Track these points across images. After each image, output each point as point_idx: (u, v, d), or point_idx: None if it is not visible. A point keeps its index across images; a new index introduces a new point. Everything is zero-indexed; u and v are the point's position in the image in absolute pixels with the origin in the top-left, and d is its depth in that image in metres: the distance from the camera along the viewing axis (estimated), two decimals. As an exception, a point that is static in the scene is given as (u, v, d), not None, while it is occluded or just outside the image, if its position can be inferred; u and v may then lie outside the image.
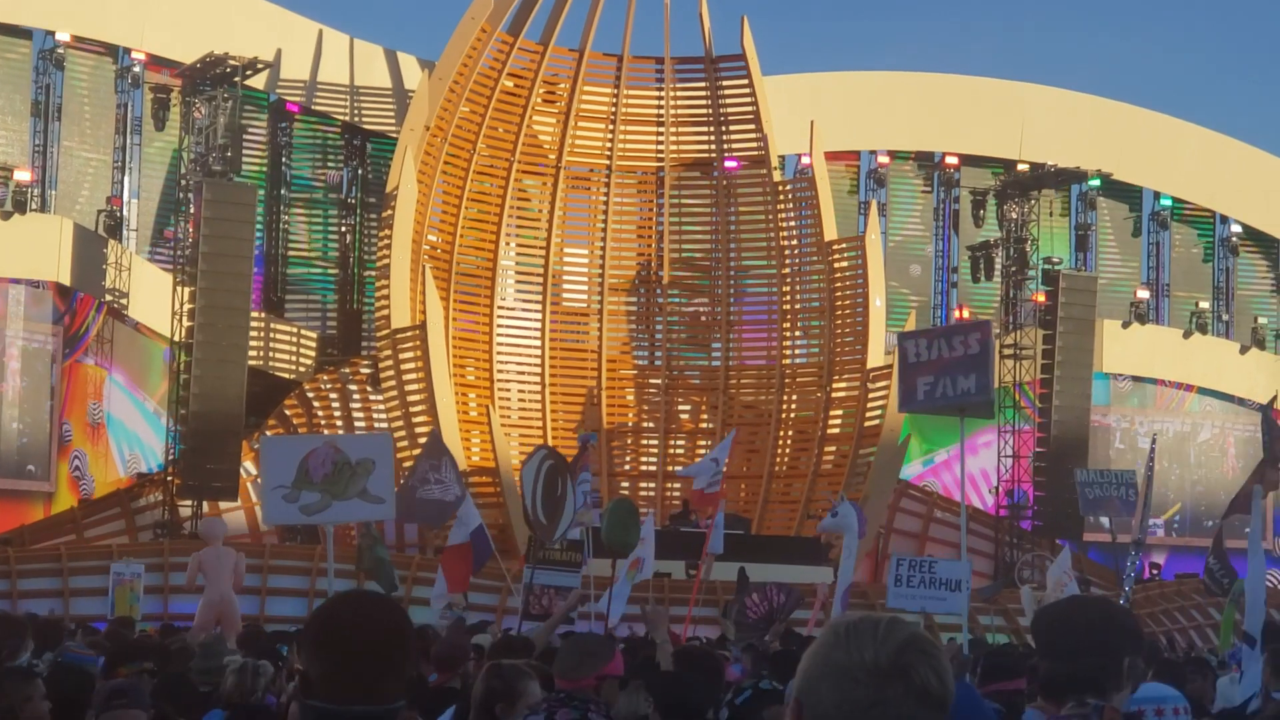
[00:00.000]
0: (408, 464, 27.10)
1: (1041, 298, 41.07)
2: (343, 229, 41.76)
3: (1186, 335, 46.48)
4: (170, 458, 35.30)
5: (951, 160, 45.34)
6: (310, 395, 37.42)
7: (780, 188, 39.49)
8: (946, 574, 21.62)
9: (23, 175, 36.27)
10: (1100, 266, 45.96)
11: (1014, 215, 43.26)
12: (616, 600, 21.05)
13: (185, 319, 34.48)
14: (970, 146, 45.17)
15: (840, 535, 21.41)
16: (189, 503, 34.51)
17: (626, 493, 36.98)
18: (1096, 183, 44.57)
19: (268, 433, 36.88)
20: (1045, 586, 29.52)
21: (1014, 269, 43.05)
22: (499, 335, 38.74)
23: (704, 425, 39.62)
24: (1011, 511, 40.33)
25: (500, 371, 38.66)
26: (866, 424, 36.89)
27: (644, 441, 39.93)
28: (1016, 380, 40.54)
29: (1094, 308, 41.23)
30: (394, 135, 38.98)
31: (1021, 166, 44.03)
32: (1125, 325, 45.19)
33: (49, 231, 36.17)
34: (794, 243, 39.43)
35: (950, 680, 3.03)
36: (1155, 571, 41.27)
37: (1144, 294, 46.43)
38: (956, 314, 44.00)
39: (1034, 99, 45.52)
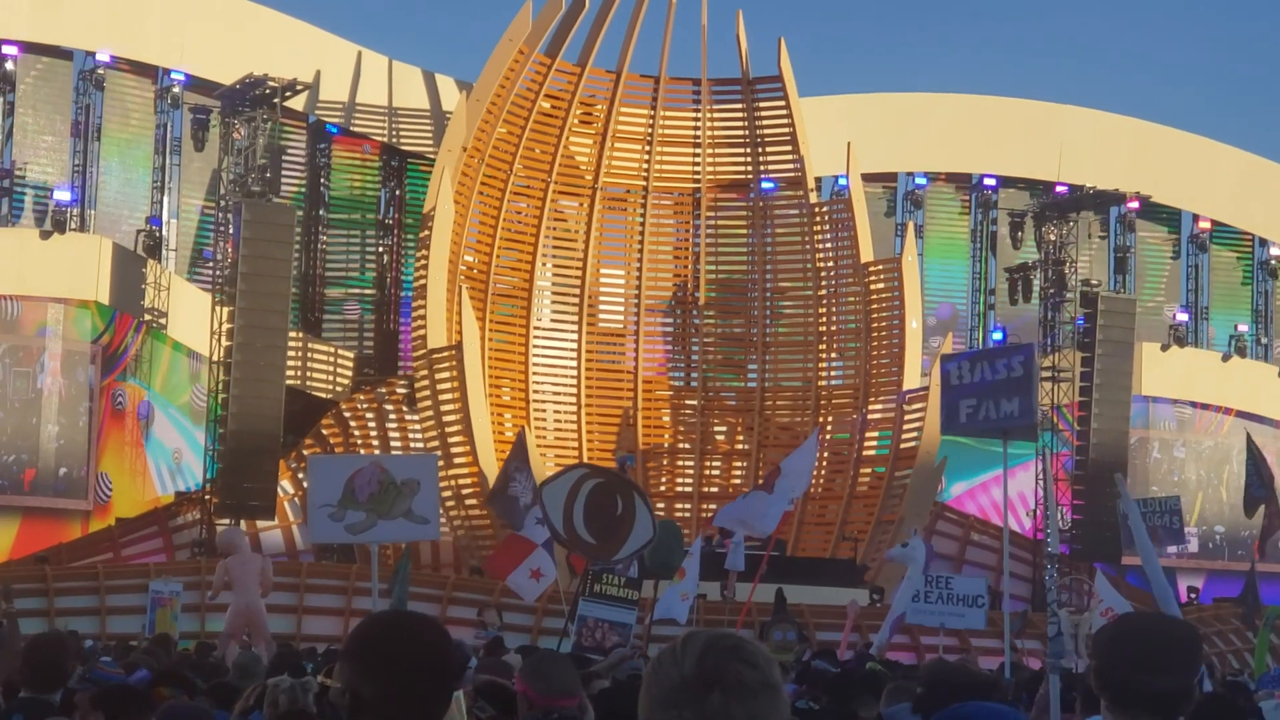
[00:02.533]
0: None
1: (1080, 318, 40.86)
2: (380, 249, 41.89)
3: (1225, 358, 46.22)
4: (208, 476, 35.42)
5: (989, 182, 45.23)
6: (347, 415, 37.50)
7: (817, 209, 39.46)
8: (964, 590, 21.64)
9: (63, 195, 36.50)
10: (1139, 289, 45.77)
11: (1052, 237, 43.11)
12: (664, 612, 21.17)
13: (224, 339, 34.62)
14: (1008, 168, 45.05)
15: (898, 565, 21.45)
16: (226, 521, 34.59)
17: (663, 514, 36.95)
18: (1134, 205, 44.45)
19: (305, 452, 37.00)
20: (1082, 610, 29.38)
21: (1052, 291, 42.89)
22: (535, 356, 38.78)
23: (739, 446, 39.56)
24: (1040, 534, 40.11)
25: (536, 392, 38.68)
26: (903, 446, 36.79)
27: (680, 462, 39.90)
28: (1055, 403, 40.37)
29: (1133, 330, 41.04)
30: (432, 156, 39.10)
31: (1060, 188, 43.91)
32: (1164, 348, 44.96)
33: (88, 251, 36.37)
34: (830, 264, 39.39)
35: (763, 658, 2.99)
36: (1194, 595, 41.02)
37: (1182, 317, 46.21)
38: (996, 337, 43.87)
39: (1072, 121, 45.40)
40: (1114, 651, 4.63)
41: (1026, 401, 16.47)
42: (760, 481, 25.07)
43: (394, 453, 35.14)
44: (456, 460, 35.02)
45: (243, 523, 34.45)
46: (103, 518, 36.39)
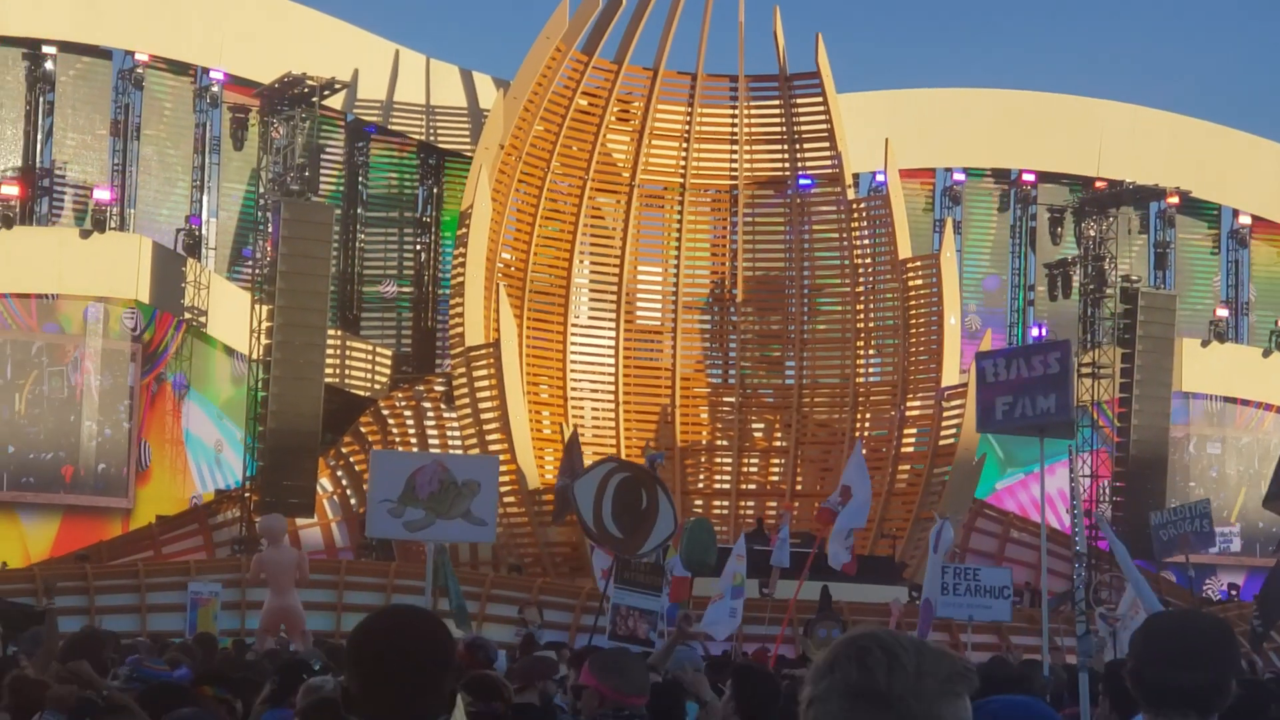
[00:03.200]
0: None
1: (1119, 314, 40.66)
2: (418, 247, 41.99)
3: (1266, 354, 45.95)
4: (247, 474, 35.56)
5: (1028, 177, 45.06)
6: (385, 413, 37.59)
7: (854, 205, 39.37)
8: (991, 581, 21.62)
9: (102, 194, 36.70)
10: (1179, 284, 45.55)
11: (1092, 233, 42.92)
12: (720, 614, 21.19)
13: (263, 337, 34.75)
14: (1047, 163, 44.89)
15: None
16: (265, 519, 34.69)
17: (700, 511, 36.93)
18: (1174, 201, 44.24)
19: (343, 450, 37.12)
20: (1119, 608, 29.23)
21: (1092, 287, 42.69)
22: (572, 353, 38.79)
23: (777, 443, 39.50)
24: (1089, 532, 39.93)
25: (574, 389, 38.70)
26: (941, 443, 36.68)
27: (718, 459, 39.86)
28: (1095, 399, 40.19)
29: (1173, 326, 40.85)
30: (469, 154, 39.16)
31: (1099, 184, 43.70)
32: (1204, 344, 44.73)
33: (128, 250, 36.55)
34: (868, 260, 39.29)
35: (883, 674, 3.00)
36: (1234, 592, 40.79)
37: (1223, 312, 45.95)
38: (1035, 332, 43.72)
39: (1112, 116, 45.19)
40: (1146, 650, 4.62)
41: (1063, 398, 16.35)
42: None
43: (431, 450, 35.20)
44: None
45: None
46: (142, 484, 36.59)
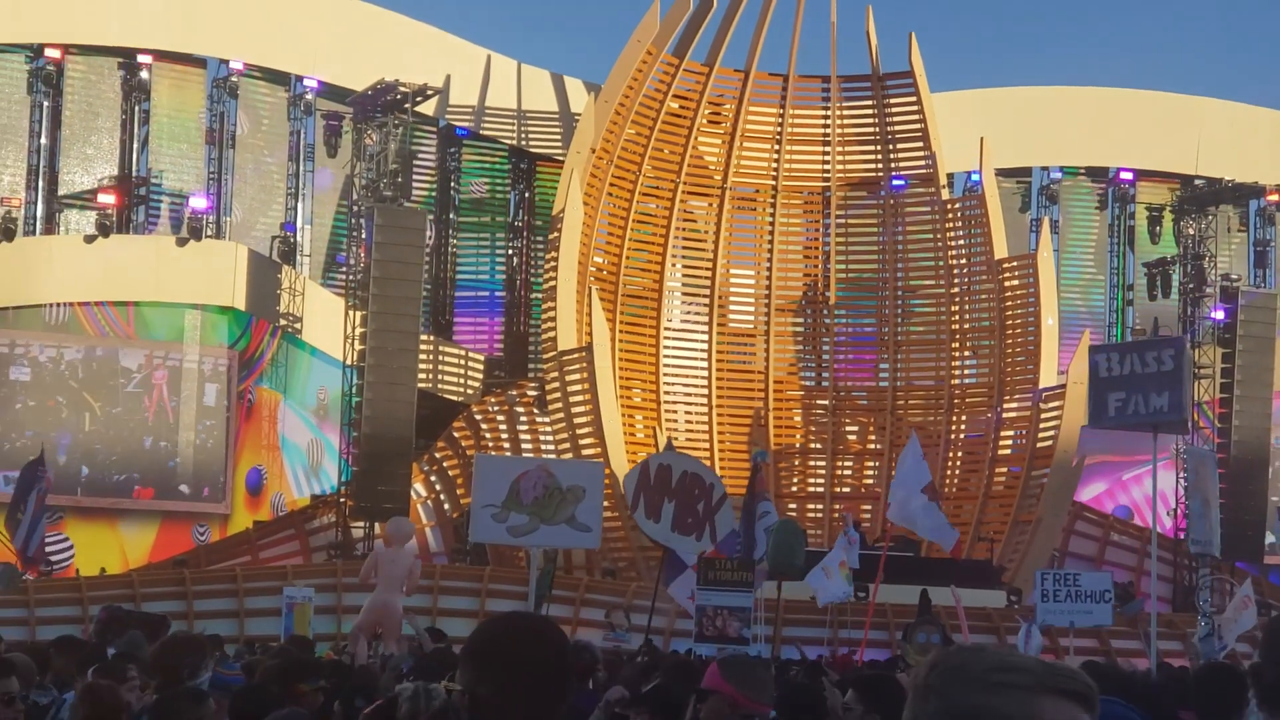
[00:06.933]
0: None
1: (1220, 314, 40.09)
2: (510, 252, 42.05)
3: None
4: (342, 479, 35.71)
5: (1126, 176, 44.50)
6: (478, 417, 37.65)
7: (949, 206, 39.03)
8: (1091, 585, 21.29)
9: (198, 202, 37.00)
10: (1280, 283, 44.81)
11: (1191, 231, 42.33)
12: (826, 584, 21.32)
13: (357, 342, 34.89)
14: (1145, 162, 44.30)
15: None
16: (361, 524, 34.86)
17: (794, 514, 36.72)
18: (1275, 198, 43.53)
19: (436, 454, 37.22)
20: (1223, 610, 28.75)
21: (1191, 286, 42.09)
22: (665, 357, 38.70)
23: (871, 446, 39.22)
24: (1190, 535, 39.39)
25: (667, 393, 38.61)
26: (1039, 444, 36.27)
27: (811, 462, 39.64)
28: (1195, 400, 39.59)
29: (1274, 325, 40.19)
30: (560, 158, 39.17)
31: (1198, 181, 43.10)
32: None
33: (224, 257, 36.84)
34: (963, 261, 38.94)
35: (955, 694, 2.84)
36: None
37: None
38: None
39: (1211, 113, 44.54)
40: (1269, 650, 4.49)
41: (1176, 395, 16.10)
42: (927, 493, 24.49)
43: (524, 454, 35.21)
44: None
45: (376, 526, 34.68)
46: (239, 489, 36.94)
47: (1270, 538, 40.33)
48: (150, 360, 36.55)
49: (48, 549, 32.86)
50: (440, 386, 38.90)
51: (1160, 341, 19.96)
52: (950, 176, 39.79)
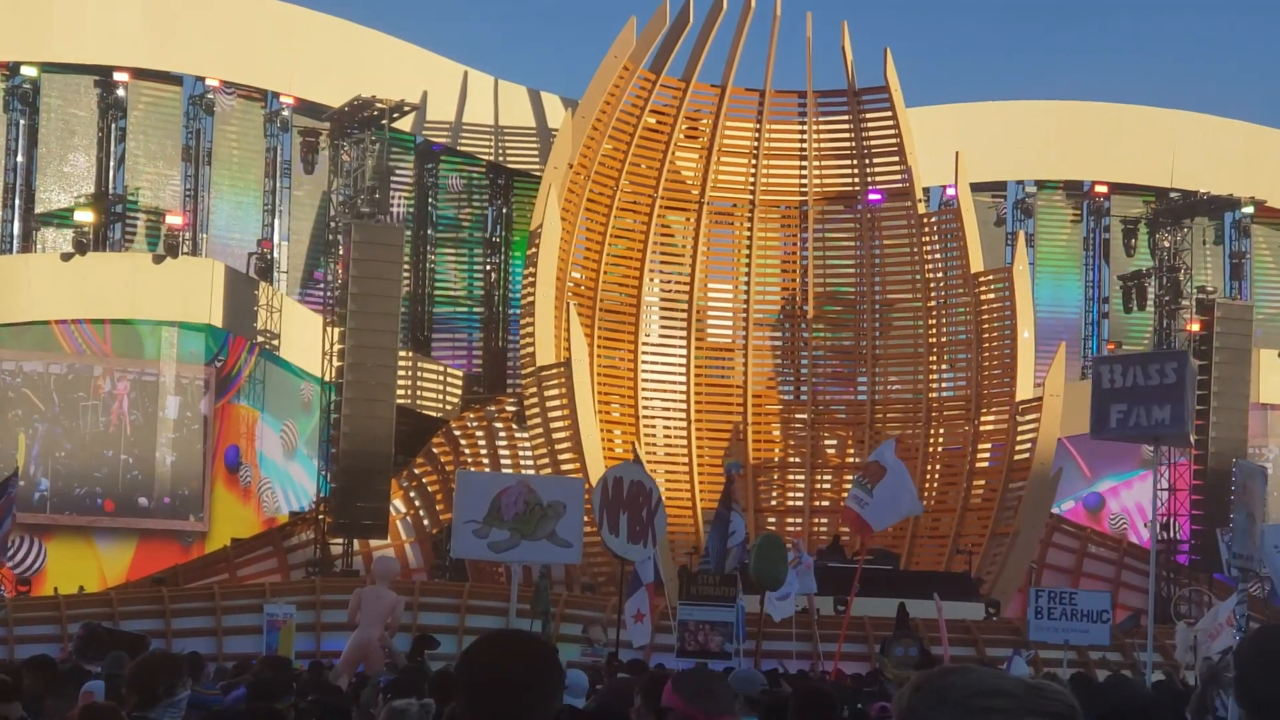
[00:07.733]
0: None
1: (1196, 326, 40.25)
2: (488, 267, 42.05)
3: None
4: (321, 496, 35.65)
5: (1101, 189, 44.68)
6: (457, 433, 37.63)
7: (925, 220, 39.15)
8: (1088, 605, 21.19)
9: (175, 219, 36.93)
10: (1255, 295, 44.98)
11: (1166, 244, 42.51)
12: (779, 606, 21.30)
13: (335, 359, 34.86)
14: (1120, 175, 44.48)
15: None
16: (340, 540, 34.81)
17: (774, 528, 36.75)
18: (1249, 210, 43.74)
19: (416, 470, 37.18)
20: (1199, 621, 28.82)
21: (1167, 298, 42.26)
22: (644, 371, 38.74)
23: (850, 459, 39.29)
24: (1167, 546, 39.50)
25: (645, 408, 38.63)
26: (1016, 457, 36.36)
27: (790, 476, 39.69)
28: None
29: (1249, 337, 40.37)
30: (538, 174, 39.20)
31: (1173, 194, 43.28)
32: (1282, 355, 44.14)
33: (201, 274, 36.78)
34: (939, 275, 39.05)
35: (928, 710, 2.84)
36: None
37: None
38: (1109, 347, 43.29)
39: (1185, 126, 44.74)
40: (1251, 664, 4.46)
41: (1179, 409, 16.13)
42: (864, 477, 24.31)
43: (504, 470, 35.19)
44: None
45: (355, 543, 34.64)
46: (216, 507, 36.81)
47: None
48: (126, 377, 36.43)
49: (19, 558, 32.89)
50: (419, 402, 38.87)
51: (1164, 354, 20.07)
52: (926, 191, 39.91)
